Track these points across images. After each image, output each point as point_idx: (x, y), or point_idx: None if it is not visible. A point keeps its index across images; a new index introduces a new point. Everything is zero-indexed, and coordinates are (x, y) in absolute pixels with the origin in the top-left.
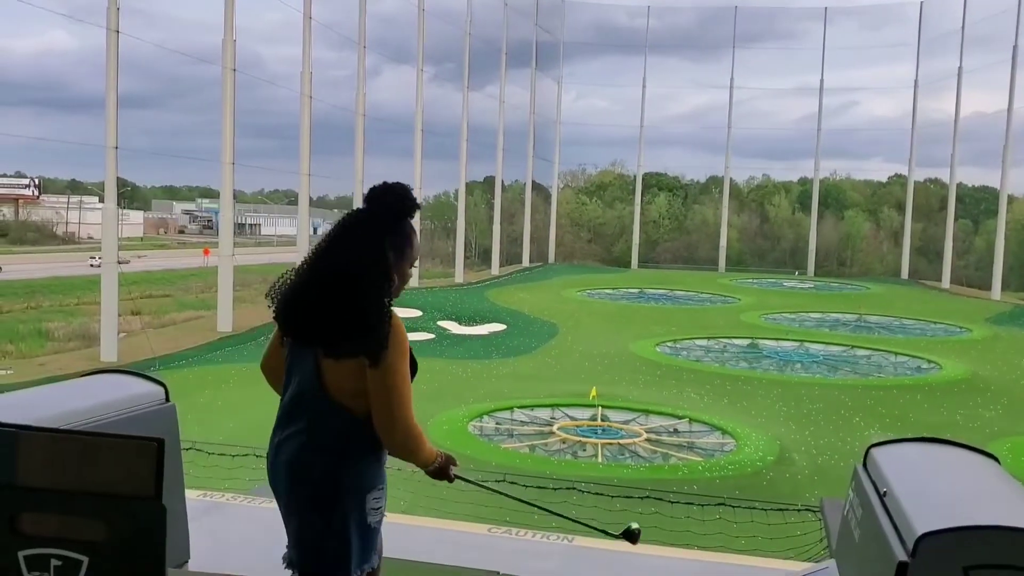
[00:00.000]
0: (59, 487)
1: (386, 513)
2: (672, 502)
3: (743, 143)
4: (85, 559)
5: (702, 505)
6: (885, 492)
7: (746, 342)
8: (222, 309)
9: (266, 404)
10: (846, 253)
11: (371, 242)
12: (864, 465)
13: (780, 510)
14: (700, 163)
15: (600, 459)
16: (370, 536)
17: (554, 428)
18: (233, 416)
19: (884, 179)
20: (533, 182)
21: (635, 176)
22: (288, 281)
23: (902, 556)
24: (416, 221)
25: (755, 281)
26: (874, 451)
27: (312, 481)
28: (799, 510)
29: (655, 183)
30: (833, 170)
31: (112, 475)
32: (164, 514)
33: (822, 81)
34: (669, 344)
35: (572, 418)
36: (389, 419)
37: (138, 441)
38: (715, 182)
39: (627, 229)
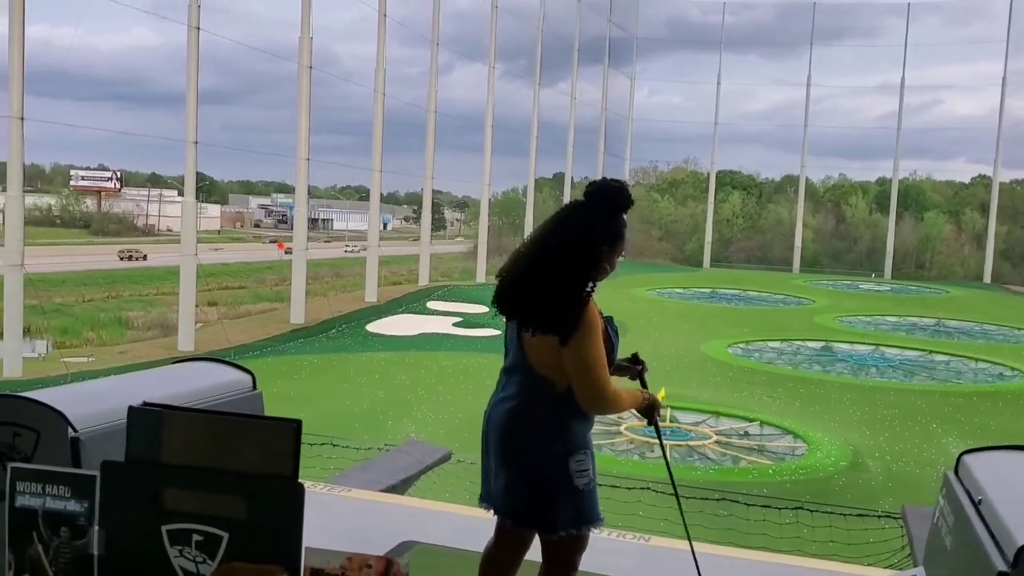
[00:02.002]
0: (201, 465)
1: (596, 478)
2: (748, 504)
3: (820, 142)
4: (225, 535)
5: (779, 508)
6: (980, 500)
7: (820, 345)
8: (295, 302)
9: (338, 395)
10: (925, 255)
11: (584, 233)
12: (956, 472)
13: (859, 516)
14: (775, 161)
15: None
16: (579, 498)
17: (621, 428)
18: (307, 406)
19: (967, 180)
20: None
21: (708, 174)
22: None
23: (1001, 566)
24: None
25: (830, 283)
26: (966, 458)
27: (518, 444)
28: (879, 516)
29: (729, 181)
30: (913, 170)
31: (252, 455)
32: (303, 494)
33: (903, 79)
34: (741, 345)
35: (640, 419)
36: (588, 392)
37: (277, 422)
38: (790, 181)
39: (699, 227)
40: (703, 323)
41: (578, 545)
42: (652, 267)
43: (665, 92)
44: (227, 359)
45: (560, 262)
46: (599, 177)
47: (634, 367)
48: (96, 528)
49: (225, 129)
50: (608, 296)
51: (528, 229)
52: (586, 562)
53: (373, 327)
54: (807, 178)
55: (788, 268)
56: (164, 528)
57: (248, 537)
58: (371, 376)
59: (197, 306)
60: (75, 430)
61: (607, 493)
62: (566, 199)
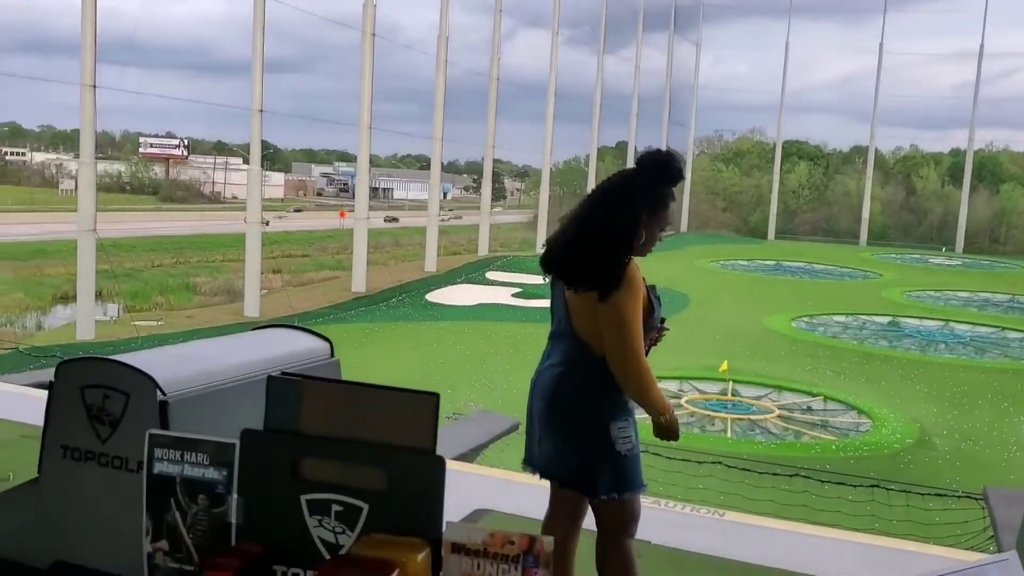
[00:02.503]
0: (339, 435)
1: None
2: (822, 481)
3: (891, 111)
4: (365, 506)
5: (853, 486)
6: None
7: (887, 320)
8: (356, 270)
9: (397, 364)
10: (1000, 230)
11: (628, 200)
12: None
13: (938, 495)
14: (844, 132)
15: (729, 434)
16: (623, 464)
17: (682, 401)
18: (367, 374)
19: None
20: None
21: (774, 144)
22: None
23: None
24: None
25: (898, 256)
26: None
27: (560, 409)
28: (959, 496)
29: (795, 151)
30: (989, 141)
31: (391, 426)
32: (444, 468)
33: (982, 46)
34: (805, 319)
35: (701, 391)
36: (619, 354)
37: (417, 394)
38: (859, 152)
39: (764, 199)
40: (766, 296)
41: (625, 511)
42: (715, 238)
43: (731, 60)
44: (304, 326)
45: (601, 224)
46: (663, 146)
47: (655, 329)
48: (235, 496)
49: (289, 97)
50: (670, 267)
51: None
52: (660, 536)
53: (432, 296)
54: (877, 149)
55: (855, 241)
56: (303, 498)
57: (388, 509)
58: (430, 345)
59: (262, 273)
60: (163, 393)
61: (678, 467)
62: None
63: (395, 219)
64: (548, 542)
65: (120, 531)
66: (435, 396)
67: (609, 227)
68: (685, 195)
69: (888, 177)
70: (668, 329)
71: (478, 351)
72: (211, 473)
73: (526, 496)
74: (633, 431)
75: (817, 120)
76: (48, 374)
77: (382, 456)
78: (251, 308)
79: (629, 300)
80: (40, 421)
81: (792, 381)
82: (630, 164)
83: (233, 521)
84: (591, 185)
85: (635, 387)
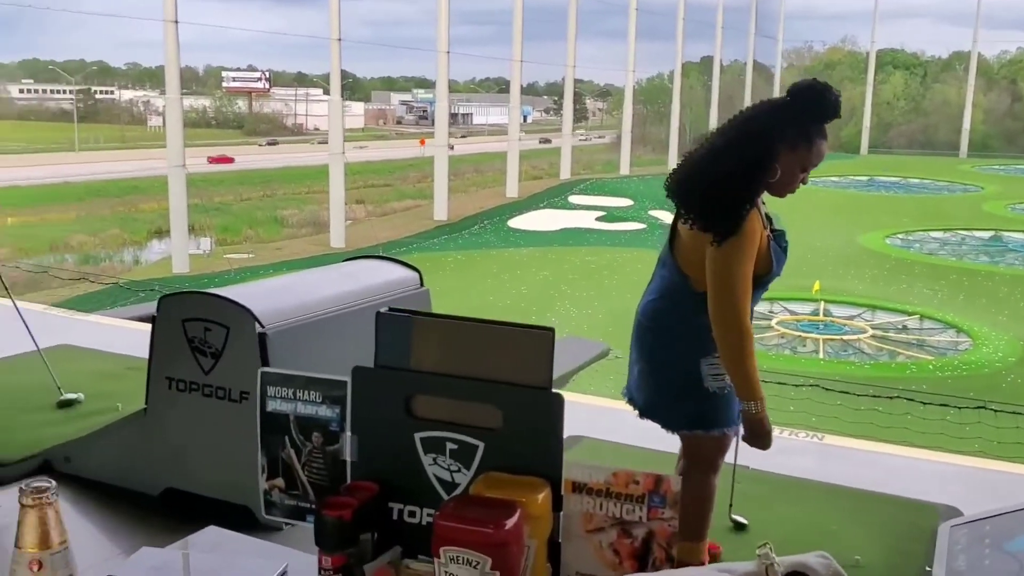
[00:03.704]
0: (452, 372)
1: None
2: (924, 403)
3: (995, 13)
4: (480, 444)
5: (958, 408)
6: None
7: (988, 234)
8: (438, 198)
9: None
10: None
11: (766, 132)
12: None
13: None
14: (943, 37)
15: (821, 355)
16: (710, 400)
17: (772, 322)
18: (452, 302)
19: None
20: (754, 62)
21: (867, 53)
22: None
23: None
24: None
25: (1002, 168)
26: None
27: (651, 339)
28: None
29: (890, 60)
30: None
31: (505, 362)
32: (562, 405)
33: None
34: (900, 236)
35: (792, 312)
36: (717, 305)
37: (531, 329)
38: (959, 58)
39: (857, 111)
40: (859, 213)
41: (708, 446)
42: None
43: None
44: (393, 257)
45: (733, 156)
46: (749, 60)
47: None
48: (348, 434)
49: (367, 24)
50: None
51: (675, 117)
52: (757, 461)
53: (515, 223)
54: (979, 53)
55: (954, 152)
56: (417, 436)
57: (504, 447)
58: (513, 272)
59: (346, 204)
60: (262, 326)
61: (774, 390)
62: (715, 84)
63: (548, 140)
64: (675, 481)
65: (225, 459)
66: (550, 331)
67: (738, 160)
68: None
69: (991, 84)
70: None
71: (562, 276)
72: (324, 411)
73: (620, 423)
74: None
75: (914, 26)
76: (148, 308)
77: (498, 394)
78: (336, 239)
79: (742, 253)
80: (143, 353)
81: (886, 300)
82: (715, 78)
83: (347, 459)
84: (676, 102)
85: (728, 350)
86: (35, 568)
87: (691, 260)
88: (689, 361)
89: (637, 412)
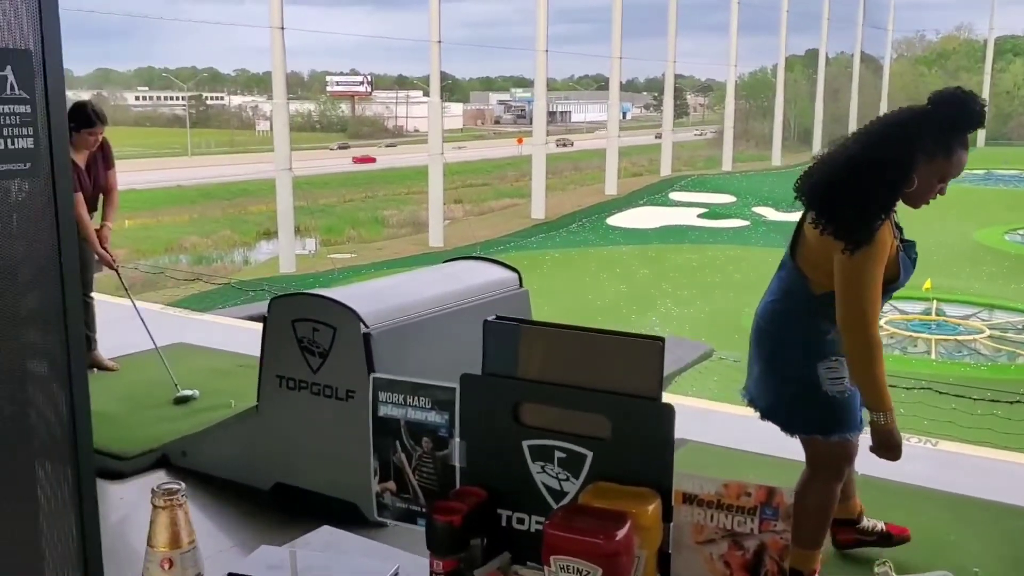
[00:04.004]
0: (559, 381)
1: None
2: None
3: None
4: (589, 454)
5: None
6: None
7: None
8: (536, 197)
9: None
10: None
11: (905, 140)
12: None
13: None
14: None
15: (934, 356)
16: (830, 405)
17: (881, 322)
18: (550, 301)
19: None
20: (862, 53)
21: (985, 40)
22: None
23: None
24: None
25: None
26: None
27: (769, 341)
28: None
29: (1010, 48)
30: None
31: (614, 372)
32: (673, 415)
33: None
34: (1020, 232)
35: (902, 311)
36: (847, 315)
37: (641, 339)
38: None
39: None
40: (976, 208)
41: (829, 451)
42: None
43: None
44: (493, 258)
45: (870, 165)
46: (856, 51)
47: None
48: (457, 440)
49: (464, 26)
50: None
51: (779, 111)
52: (868, 467)
53: (614, 220)
54: None
55: None
56: (525, 443)
57: (613, 457)
58: (612, 270)
59: (444, 204)
60: (367, 326)
61: None
62: (820, 77)
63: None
64: (788, 494)
65: (332, 456)
66: (660, 340)
67: (875, 169)
68: (882, 103)
69: None
70: None
71: (663, 275)
72: (433, 417)
73: (724, 426)
74: (846, 370)
75: None
76: (258, 307)
77: (607, 403)
78: (435, 238)
79: (873, 262)
80: (253, 351)
81: (1005, 299)
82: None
83: (456, 464)
84: (779, 96)
85: (857, 360)
86: (166, 566)
87: (815, 263)
88: (806, 365)
89: (758, 414)
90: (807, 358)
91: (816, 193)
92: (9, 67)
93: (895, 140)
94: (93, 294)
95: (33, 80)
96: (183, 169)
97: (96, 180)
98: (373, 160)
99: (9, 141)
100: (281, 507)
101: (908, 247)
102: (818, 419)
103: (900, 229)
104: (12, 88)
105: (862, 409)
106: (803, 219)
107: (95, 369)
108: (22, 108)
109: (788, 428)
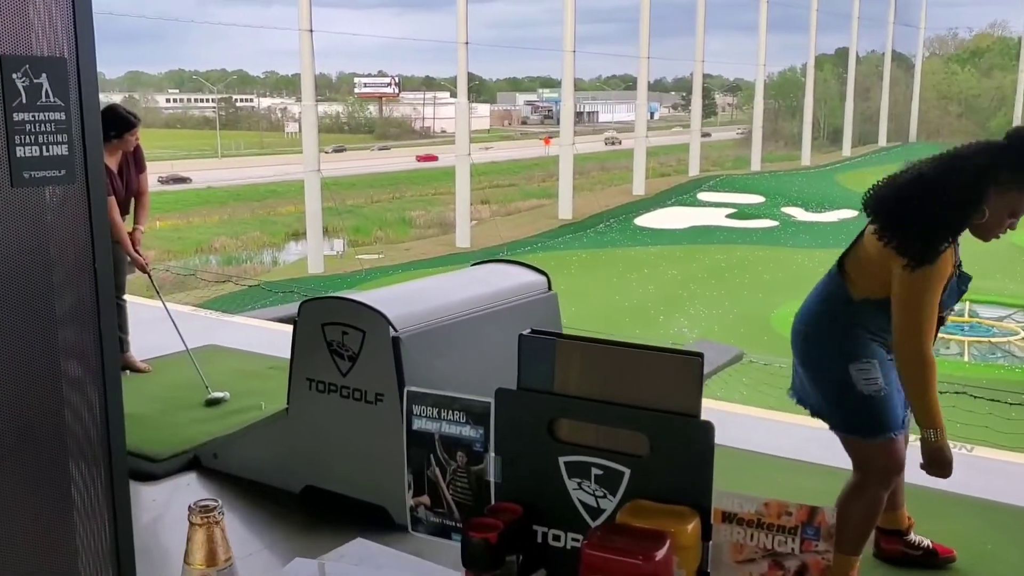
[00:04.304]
0: (596, 396)
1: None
2: None
3: None
4: (627, 471)
5: None
6: None
7: None
8: (563, 197)
9: (607, 290)
10: None
11: (979, 171)
12: None
13: None
14: None
15: (967, 358)
16: (866, 405)
17: None
18: (577, 301)
19: None
20: (893, 51)
21: (1020, 38)
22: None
23: None
24: None
25: None
26: None
27: (801, 344)
28: None
29: None
30: None
31: (652, 388)
32: (712, 433)
33: None
34: None
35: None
36: (903, 332)
37: (681, 354)
38: None
39: (1007, 101)
40: None
41: (876, 453)
42: (949, 147)
43: None
44: (522, 261)
45: (942, 191)
46: (887, 50)
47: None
48: (492, 455)
49: (491, 27)
50: None
51: (808, 111)
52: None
53: (641, 221)
54: None
55: None
56: (561, 459)
57: (651, 475)
58: (640, 271)
59: (471, 204)
60: (396, 330)
61: None
62: (850, 76)
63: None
64: (830, 514)
65: (361, 459)
66: (699, 357)
67: (947, 195)
68: (914, 101)
69: None
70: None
71: (691, 275)
72: (467, 431)
73: (754, 430)
74: (879, 372)
75: None
76: (287, 309)
77: (645, 420)
78: (462, 239)
79: (932, 282)
80: (283, 353)
81: None
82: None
83: (491, 480)
84: (809, 96)
85: (911, 378)
86: None
87: (868, 271)
88: (839, 367)
89: (809, 411)
90: (839, 360)
91: (884, 207)
92: (44, 75)
93: (969, 169)
94: (126, 296)
95: (68, 88)
96: (213, 171)
97: (128, 184)
98: (435, 158)
99: (44, 148)
100: (311, 510)
101: (963, 277)
102: (857, 420)
103: (960, 261)
104: (47, 95)
105: (907, 413)
106: (863, 231)
107: (128, 371)
108: (57, 115)
109: (835, 428)
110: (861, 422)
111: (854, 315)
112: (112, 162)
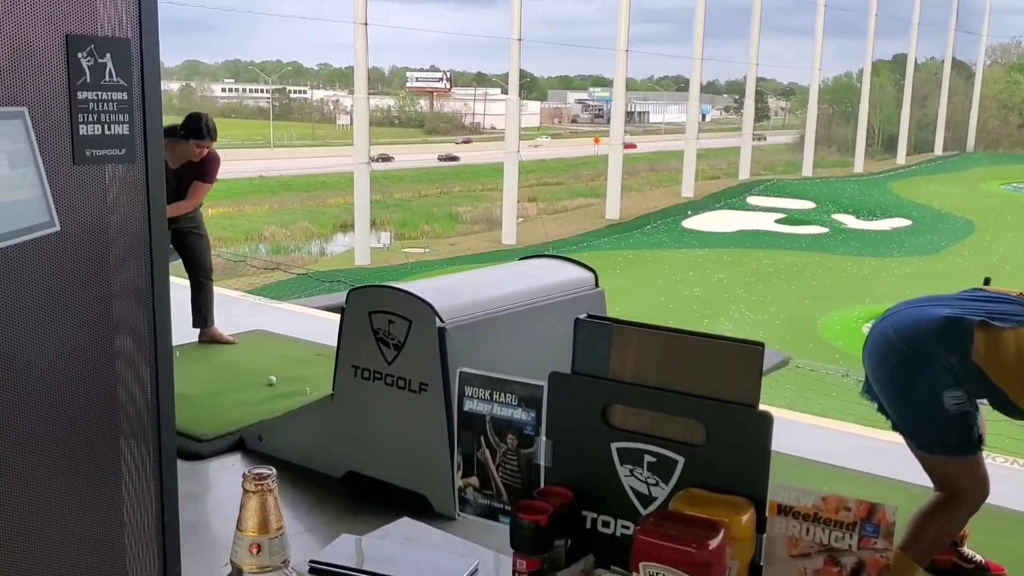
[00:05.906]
0: (652, 383)
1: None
2: None
3: None
4: (681, 459)
5: None
6: None
7: None
8: (611, 197)
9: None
10: None
11: None
12: None
13: None
14: None
15: None
16: (955, 424)
17: None
18: (621, 302)
19: None
20: (953, 59)
21: None
22: None
23: None
24: None
25: None
26: None
27: (893, 357)
28: None
29: None
30: None
31: (709, 376)
32: (771, 423)
33: None
34: None
35: None
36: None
37: (741, 343)
38: None
39: None
40: None
41: (967, 469)
42: (1007, 158)
43: None
44: (570, 257)
45: None
46: (947, 57)
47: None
48: (543, 439)
49: (544, 24)
50: (951, 190)
51: (863, 117)
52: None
53: (689, 223)
54: None
55: None
56: (613, 446)
57: (706, 464)
58: (686, 273)
59: (518, 202)
60: (442, 320)
61: None
62: (908, 83)
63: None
64: (890, 511)
65: (404, 448)
66: (760, 346)
67: None
68: (973, 111)
69: None
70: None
71: (738, 279)
72: (519, 414)
73: (799, 436)
74: (964, 397)
75: None
76: (334, 298)
77: (701, 409)
78: (508, 236)
79: None
80: (330, 341)
81: None
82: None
83: (542, 463)
84: (864, 102)
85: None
86: (255, 551)
87: (1008, 367)
88: (933, 394)
89: (890, 424)
90: (937, 385)
91: None
92: (108, 55)
93: None
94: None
95: (131, 69)
96: (265, 160)
97: (180, 185)
98: (634, 146)
99: (106, 127)
100: (352, 495)
101: None
102: (951, 438)
103: None
104: (111, 75)
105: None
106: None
107: (214, 343)
108: (119, 95)
109: (920, 446)
110: (955, 440)
111: (965, 373)
112: (171, 159)
